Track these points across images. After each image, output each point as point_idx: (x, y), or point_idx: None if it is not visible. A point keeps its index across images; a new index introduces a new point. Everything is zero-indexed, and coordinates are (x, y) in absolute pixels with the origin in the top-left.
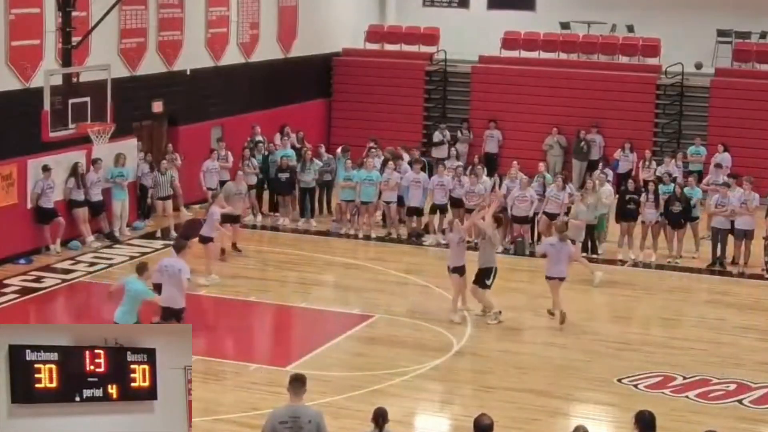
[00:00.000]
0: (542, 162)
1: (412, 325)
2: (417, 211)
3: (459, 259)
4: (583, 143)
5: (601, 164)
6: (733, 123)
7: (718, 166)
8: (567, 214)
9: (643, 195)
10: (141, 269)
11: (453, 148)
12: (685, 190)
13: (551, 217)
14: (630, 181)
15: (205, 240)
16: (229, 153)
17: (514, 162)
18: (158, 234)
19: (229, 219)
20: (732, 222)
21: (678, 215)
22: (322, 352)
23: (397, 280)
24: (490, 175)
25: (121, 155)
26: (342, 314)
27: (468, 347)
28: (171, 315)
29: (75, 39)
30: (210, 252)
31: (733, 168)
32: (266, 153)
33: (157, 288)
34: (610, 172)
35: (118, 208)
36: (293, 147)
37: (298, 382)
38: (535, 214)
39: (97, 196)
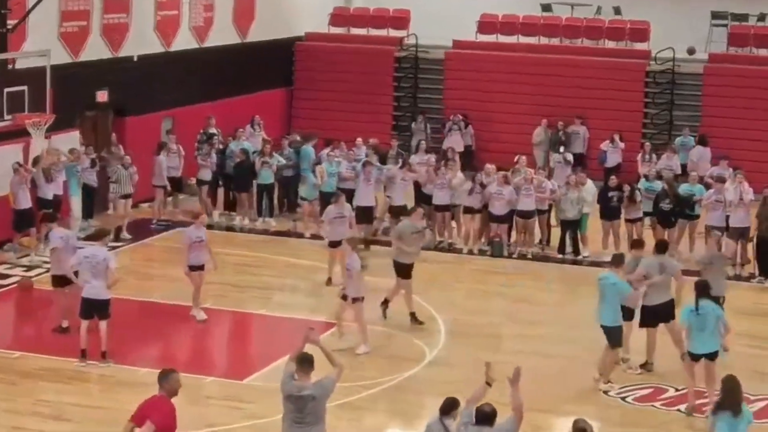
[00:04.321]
0: (522, 156)
1: (383, 333)
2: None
3: (358, 289)
4: (561, 134)
5: (562, 148)
6: (728, 113)
7: (725, 158)
8: (550, 211)
9: (628, 191)
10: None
11: (422, 141)
12: (684, 187)
13: (524, 215)
14: (612, 177)
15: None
16: (180, 147)
17: (522, 158)
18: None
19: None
20: (727, 220)
21: (668, 213)
22: (283, 363)
23: (367, 283)
24: (472, 170)
25: (75, 149)
26: (306, 322)
27: (442, 357)
28: (93, 308)
29: (11, 22)
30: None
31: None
32: (221, 146)
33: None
34: (569, 156)
35: (76, 207)
36: (264, 140)
37: (307, 363)
38: (512, 210)
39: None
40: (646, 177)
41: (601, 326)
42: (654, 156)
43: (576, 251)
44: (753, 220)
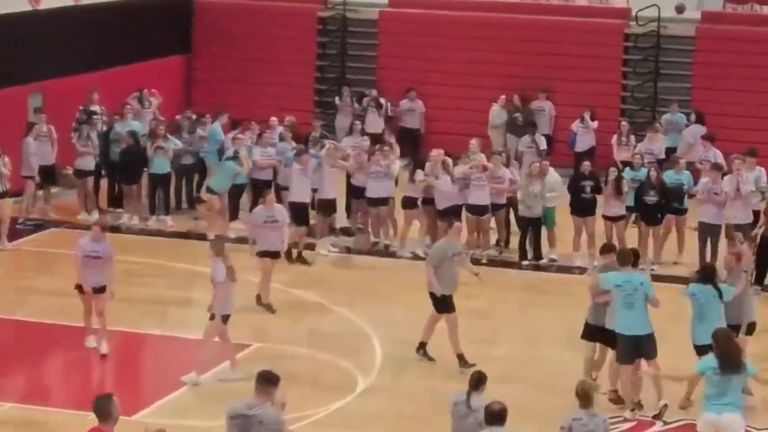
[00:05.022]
0: (474, 139)
1: (304, 356)
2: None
3: (225, 304)
4: (518, 114)
5: (530, 133)
6: (724, 84)
7: (709, 138)
8: (511, 206)
9: (613, 179)
10: None
11: (357, 121)
12: (669, 174)
13: (476, 211)
14: (585, 162)
15: None
16: (53, 129)
17: (474, 141)
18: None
19: None
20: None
21: (653, 208)
22: (182, 394)
23: (285, 296)
24: (413, 157)
25: None
26: (210, 344)
27: (379, 385)
28: None
29: None
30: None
31: (724, 141)
32: (104, 128)
33: None
34: (542, 141)
35: None
36: (157, 119)
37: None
38: (459, 206)
39: None
40: (631, 164)
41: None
42: (633, 138)
43: (537, 254)
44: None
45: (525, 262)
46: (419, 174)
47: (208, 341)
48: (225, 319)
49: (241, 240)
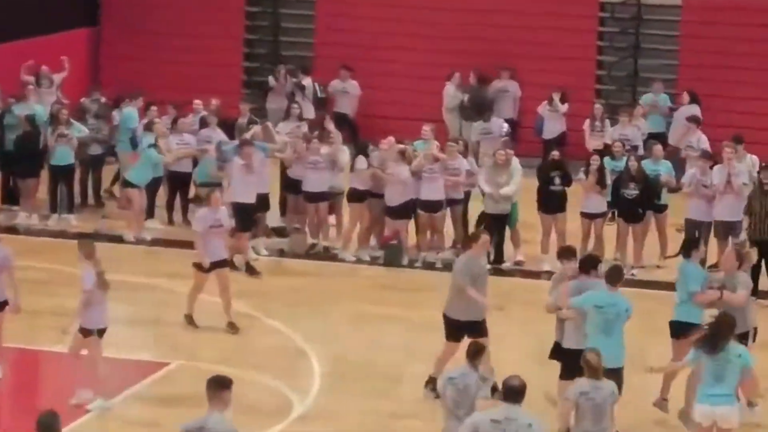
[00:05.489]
0: (428, 125)
1: (231, 376)
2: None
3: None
4: (466, 96)
5: (486, 117)
6: (715, 60)
7: (694, 120)
8: (466, 201)
9: (582, 172)
10: None
11: (294, 104)
12: (645, 164)
13: (429, 207)
14: (554, 152)
15: None
16: None
17: (427, 127)
18: None
19: None
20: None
21: (634, 203)
22: (87, 421)
23: (209, 307)
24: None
25: None
26: (121, 362)
27: (317, 409)
28: None
29: None
30: None
31: (714, 126)
32: None
33: None
34: (504, 126)
35: None
36: (59, 102)
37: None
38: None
39: None
40: (611, 153)
41: None
42: (608, 123)
43: (498, 257)
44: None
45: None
46: (361, 162)
47: (89, 358)
48: (100, 333)
49: (160, 243)
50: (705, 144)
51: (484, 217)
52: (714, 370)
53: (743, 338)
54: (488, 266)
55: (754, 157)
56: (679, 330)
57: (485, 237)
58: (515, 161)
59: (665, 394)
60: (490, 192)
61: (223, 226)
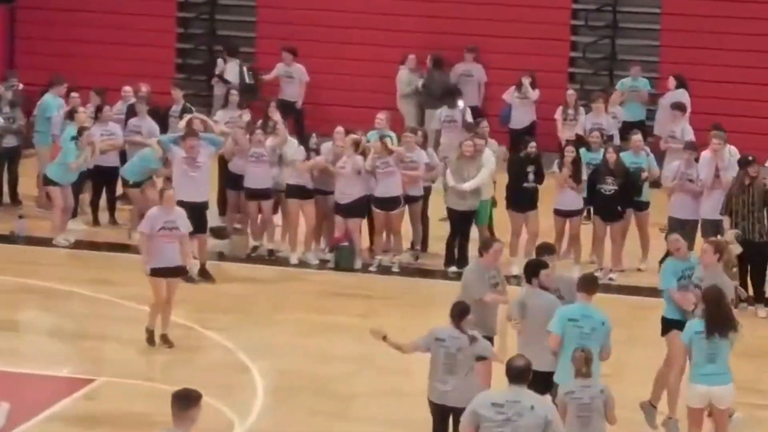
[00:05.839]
0: (382, 113)
1: (162, 393)
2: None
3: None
4: (432, 81)
5: (461, 103)
6: (701, 40)
7: (678, 107)
8: (426, 198)
9: (556, 165)
10: None
11: (233, 91)
12: (625, 156)
13: (385, 205)
14: (532, 143)
15: None
16: None
17: (381, 116)
18: None
19: None
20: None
21: (612, 200)
22: None
23: (138, 315)
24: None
25: None
26: (39, 378)
27: (261, 430)
28: None
29: None
30: None
31: (697, 113)
32: None
33: None
34: (466, 112)
35: None
36: None
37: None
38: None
39: None
40: (587, 144)
41: None
42: (582, 111)
43: (462, 260)
44: None
45: (451, 269)
46: (298, 153)
47: None
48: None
49: (84, 245)
50: (690, 134)
51: (449, 214)
52: (707, 349)
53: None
54: (454, 270)
55: (733, 148)
56: (669, 327)
57: (498, 245)
58: (488, 153)
59: (673, 412)
60: (453, 185)
61: (179, 229)
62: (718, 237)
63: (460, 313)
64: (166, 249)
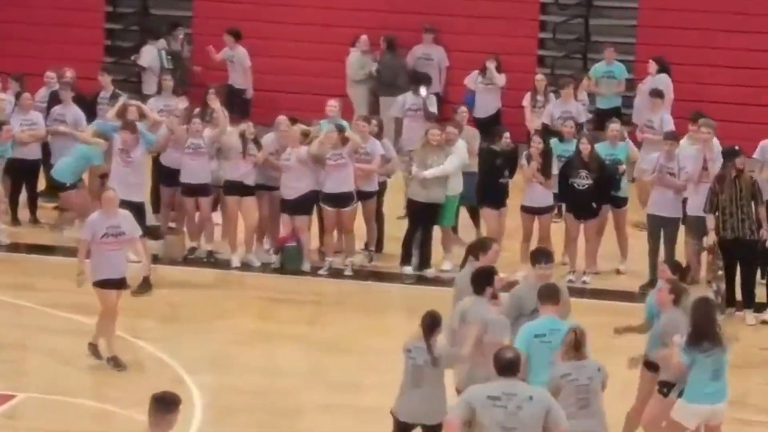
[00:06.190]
0: (334, 100)
1: (91, 411)
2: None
3: None
4: (384, 65)
5: (423, 90)
6: (682, 19)
7: (657, 94)
8: (380, 193)
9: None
10: None
11: (166, 76)
12: (601, 147)
13: (336, 201)
14: (506, 134)
15: None
16: None
17: (333, 103)
18: None
19: None
20: (683, 204)
21: (586, 195)
22: None
23: (66, 326)
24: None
25: None
26: None
27: None
28: None
29: None
30: None
31: (678, 99)
32: None
33: None
34: (430, 98)
35: None
36: None
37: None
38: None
39: None
40: (559, 134)
41: None
42: (552, 97)
43: (425, 260)
44: None
45: (407, 270)
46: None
47: None
48: None
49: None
50: (669, 124)
51: (409, 206)
52: (711, 366)
53: (665, 387)
54: (410, 272)
55: (715, 139)
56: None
57: (497, 245)
58: (460, 144)
59: None
60: (415, 172)
61: (125, 235)
62: (704, 239)
63: (430, 325)
64: (112, 257)
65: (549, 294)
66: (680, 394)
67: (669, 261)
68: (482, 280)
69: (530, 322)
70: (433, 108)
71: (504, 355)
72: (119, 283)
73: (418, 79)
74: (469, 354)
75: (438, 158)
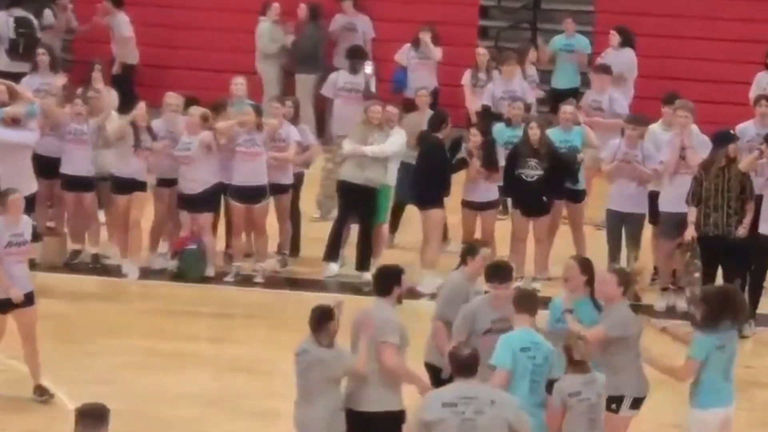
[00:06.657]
0: (240, 77)
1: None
2: None
3: None
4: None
5: (369, 67)
6: None
7: (603, 69)
8: (297, 187)
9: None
10: None
11: (42, 50)
12: (555, 132)
13: (245, 195)
14: (440, 116)
15: None
16: None
17: (239, 80)
18: None
19: None
20: (654, 198)
21: (536, 188)
22: None
23: None
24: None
25: None
26: None
27: None
28: None
29: None
30: None
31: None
32: None
33: None
34: (372, 79)
35: None
36: None
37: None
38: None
39: None
40: (507, 120)
41: None
42: (497, 74)
43: (364, 261)
44: None
45: (330, 269)
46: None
47: None
48: None
49: None
50: (621, 106)
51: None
52: (724, 364)
53: (615, 402)
54: (332, 273)
55: (693, 125)
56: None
57: (486, 250)
58: (398, 130)
59: None
60: (351, 151)
61: (28, 244)
62: (683, 237)
63: (318, 318)
64: (16, 270)
65: (527, 303)
66: (633, 405)
67: (578, 258)
68: (389, 280)
69: (508, 334)
70: (374, 88)
71: (460, 352)
72: (28, 300)
73: (357, 54)
74: (363, 366)
75: (379, 138)
